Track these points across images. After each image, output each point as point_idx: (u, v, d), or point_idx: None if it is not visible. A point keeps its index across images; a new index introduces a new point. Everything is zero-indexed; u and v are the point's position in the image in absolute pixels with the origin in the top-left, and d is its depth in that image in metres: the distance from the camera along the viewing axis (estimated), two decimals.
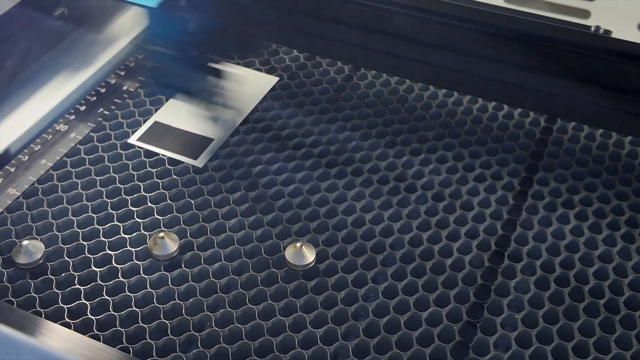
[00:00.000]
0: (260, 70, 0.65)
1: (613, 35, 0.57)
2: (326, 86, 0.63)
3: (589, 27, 0.53)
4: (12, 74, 0.60)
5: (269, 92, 0.63)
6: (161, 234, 0.50)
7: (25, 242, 0.49)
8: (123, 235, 0.51)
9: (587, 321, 0.46)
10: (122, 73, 0.64)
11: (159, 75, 0.57)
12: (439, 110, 0.61)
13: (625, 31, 0.66)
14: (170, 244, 0.50)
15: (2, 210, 0.53)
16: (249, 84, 0.64)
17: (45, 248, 0.50)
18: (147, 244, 0.50)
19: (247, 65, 0.66)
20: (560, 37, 0.52)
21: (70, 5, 0.62)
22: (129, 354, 0.45)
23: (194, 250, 0.50)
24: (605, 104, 0.52)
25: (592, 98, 0.52)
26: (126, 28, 0.67)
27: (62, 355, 0.41)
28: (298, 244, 0.49)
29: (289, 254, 0.49)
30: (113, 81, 0.63)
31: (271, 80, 0.64)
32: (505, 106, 0.61)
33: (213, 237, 0.51)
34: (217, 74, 0.56)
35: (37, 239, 0.51)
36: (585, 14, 0.70)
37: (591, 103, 0.53)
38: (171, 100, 0.62)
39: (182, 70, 0.55)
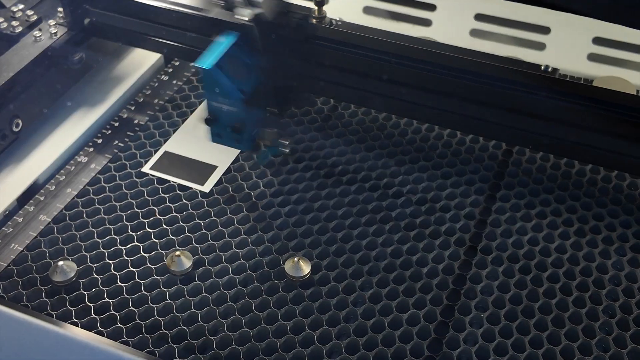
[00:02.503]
0: None
1: (562, 68, 0.65)
2: (314, 116, 0.72)
3: (539, 66, 0.61)
4: (38, 112, 0.68)
5: None
6: (177, 253, 0.57)
7: (60, 263, 0.57)
8: (143, 254, 0.59)
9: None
10: (132, 108, 0.72)
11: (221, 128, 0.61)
12: (414, 137, 0.69)
13: (575, 63, 0.76)
14: (185, 261, 0.57)
15: (36, 234, 0.60)
16: None
17: (77, 267, 0.58)
18: (164, 261, 0.58)
19: None
20: (510, 78, 0.61)
21: (88, 49, 0.70)
22: (155, 356, 0.53)
23: (206, 265, 0.58)
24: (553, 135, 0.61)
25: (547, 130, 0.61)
26: (134, 67, 0.75)
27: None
28: (295, 258, 0.57)
29: (288, 267, 0.57)
30: (125, 115, 0.71)
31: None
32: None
33: (221, 253, 0.59)
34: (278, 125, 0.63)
35: (69, 259, 0.58)
36: (541, 46, 0.79)
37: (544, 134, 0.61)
38: (178, 132, 0.70)
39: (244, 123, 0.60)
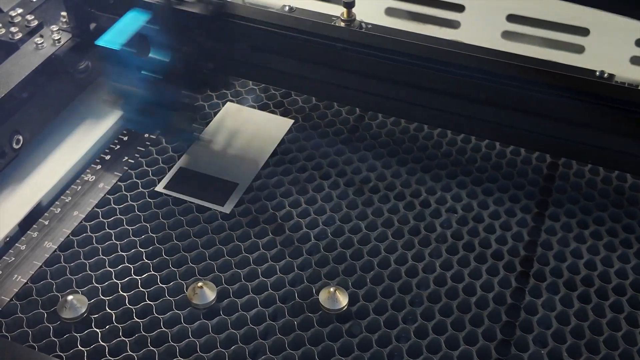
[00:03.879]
0: (274, 112, 0.68)
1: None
2: (340, 127, 0.66)
3: (594, 71, 0.56)
4: (40, 125, 0.62)
5: (286, 134, 0.66)
6: (200, 284, 0.52)
7: (69, 297, 0.51)
8: (160, 284, 0.53)
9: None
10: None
11: (132, 110, 0.59)
12: (450, 149, 0.64)
13: (619, 66, 0.71)
14: (209, 293, 0.52)
15: (41, 264, 0.54)
16: (266, 127, 0.66)
17: (88, 301, 0.52)
18: (185, 292, 0.52)
19: (262, 108, 0.68)
20: (562, 85, 0.55)
21: (94, 58, 0.64)
22: None
23: (231, 297, 0.53)
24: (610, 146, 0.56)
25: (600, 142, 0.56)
26: None
27: None
28: (331, 289, 0.52)
29: (322, 297, 0.52)
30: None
31: (287, 122, 0.67)
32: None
33: (247, 283, 0.54)
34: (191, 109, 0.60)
35: (78, 292, 0.53)
36: (579, 48, 0.74)
37: (597, 146, 0.56)
38: (193, 146, 0.64)
39: (156, 105, 0.58)
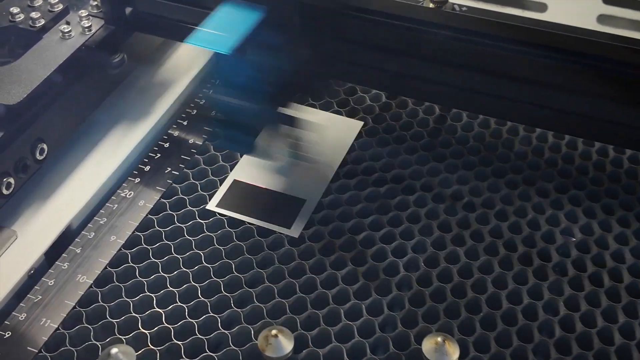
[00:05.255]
0: (340, 113, 0.58)
1: None
2: (419, 130, 0.56)
3: None
4: (67, 131, 0.52)
5: (355, 139, 0.56)
6: (274, 331, 0.42)
7: (113, 350, 0.41)
8: (223, 330, 0.43)
9: None
10: (185, 123, 0.56)
11: (226, 128, 0.49)
12: (554, 155, 0.54)
13: None
14: (285, 343, 0.42)
15: (74, 304, 0.45)
16: (331, 132, 0.56)
17: (136, 352, 0.42)
18: (255, 341, 0.43)
19: (324, 108, 0.58)
20: None
21: (130, 50, 0.54)
22: None
23: (310, 346, 0.43)
24: None
25: None
26: (183, 70, 0.59)
27: None
28: (439, 338, 0.42)
29: (427, 347, 0.42)
30: (176, 134, 0.55)
31: (355, 125, 0.57)
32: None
33: (329, 328, 0.44)
34: (291, 121, 0.49)
35: (122, 341, 0.43)
36: None
37: None
38: (246, 155, 0.54)
39: (252, 120, 0.48)
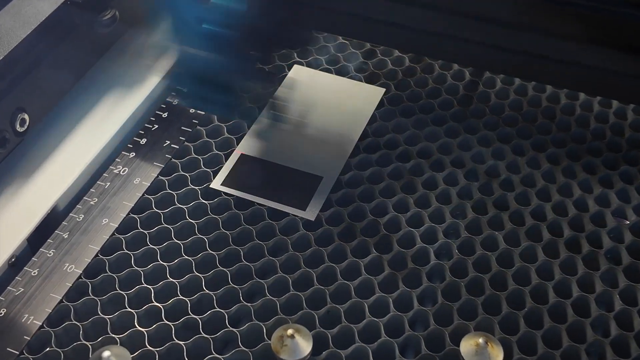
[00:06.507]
0: (358, 78, 0.52)
1: None
2: (447, 97, 0.50)
3: None
4: (51, 100, 0.46)
5: (376, 109, 0.50)
6: (289, 331, 0.36)
7: (106, 354, 0.36)
8: (230, 327, 0.38)
9: None
10: (186, 89, 0.51)
11: (195, 84, 0.44)
12: (602, 126, 0.48)
13: None
14: (303, 345, 0.36)
15: (60, 297, 0.39)
16: (350, 99, 0.50)
17: (131, 354, 0.37)
18: (267, 341, 0.37)
19: (340, 72, 0.52)
20: None
21: (123, 6, 0.47)
22: None
23: (331, 347, 0.38)
24: None
25: None
26: None
27: None
28: (480, 340, 0.36)
29: (466, 350, 0.36)
30: (175, 102, 0.50)
31: (377, 92, 0.51)
32: None
33: (351, 325, 0.38)
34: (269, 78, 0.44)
35: (116, 340, 0.38)
36: None
37: None
38: (255, 124, 0.48)
39: (225, 75, 0.43)
